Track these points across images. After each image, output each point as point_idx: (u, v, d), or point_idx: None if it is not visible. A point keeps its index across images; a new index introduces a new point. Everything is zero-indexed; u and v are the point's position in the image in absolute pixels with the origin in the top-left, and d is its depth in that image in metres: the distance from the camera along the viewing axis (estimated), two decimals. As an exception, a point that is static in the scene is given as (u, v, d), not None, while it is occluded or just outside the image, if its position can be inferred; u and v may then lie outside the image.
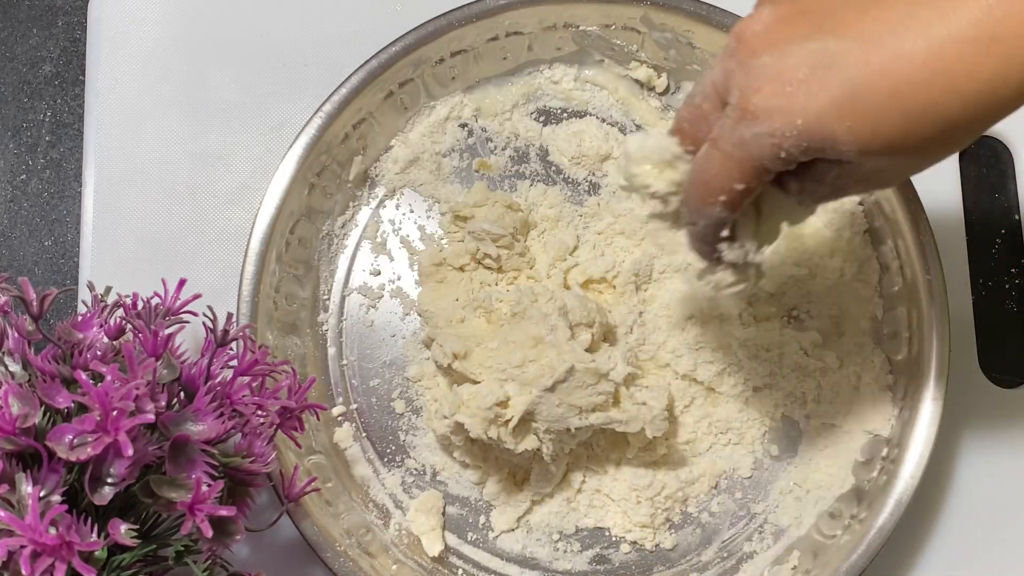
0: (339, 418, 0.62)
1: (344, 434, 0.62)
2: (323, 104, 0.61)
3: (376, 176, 0.65)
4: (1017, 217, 0.67)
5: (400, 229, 0.64)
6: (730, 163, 0.42)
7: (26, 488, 0.42)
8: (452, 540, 0.61)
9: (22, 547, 0.40)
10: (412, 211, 0.65)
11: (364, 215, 0.65)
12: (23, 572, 0.40)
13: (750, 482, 0.61)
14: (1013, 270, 0.66)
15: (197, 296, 0.53)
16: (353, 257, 0.64)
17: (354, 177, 0.64)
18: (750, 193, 0.43)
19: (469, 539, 0.61)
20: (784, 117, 0.39)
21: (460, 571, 0.60)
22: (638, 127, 0.65)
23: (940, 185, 0.65)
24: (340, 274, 0.64)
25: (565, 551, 0.61)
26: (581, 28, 0.64)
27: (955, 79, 0.37)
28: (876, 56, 0.38)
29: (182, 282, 0.54)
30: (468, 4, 0.62)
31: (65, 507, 0.43)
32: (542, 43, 0.65)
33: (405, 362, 0.63)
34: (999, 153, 0.67)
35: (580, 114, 0.66)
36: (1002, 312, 0.65)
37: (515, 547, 0.61)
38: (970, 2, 0.37)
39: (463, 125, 0.66)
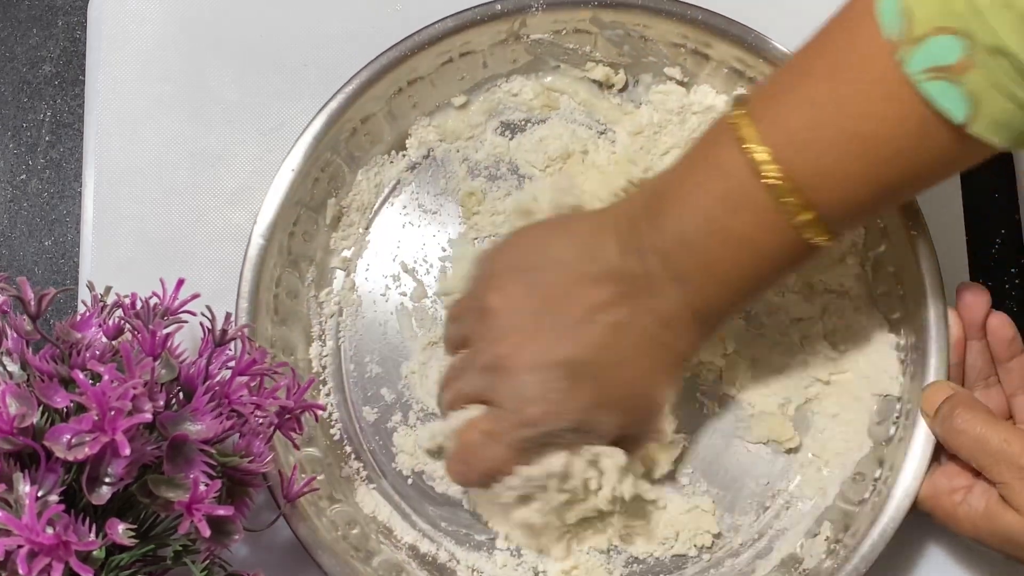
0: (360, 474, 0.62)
1: (365, 494, 0.61)
2: (291, 149, 0.60)
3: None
4: (1017, 217, 0.67)
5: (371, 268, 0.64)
6: (511, 451, 0.54)
7: (23, 488, 0.42)
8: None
9: (19, 547, 0.40)
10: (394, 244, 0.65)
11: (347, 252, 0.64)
12: (20, 571, 0.40)
13: (770, 460, 0.62)
14: (1013, 270, 0.66)
15: (196, 296, 0.53)
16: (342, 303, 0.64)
17: (331, 221, 0.63)
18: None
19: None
20: (557, 418, 0.53)
21: None
22: (604, 128, 0.65)
23: (940, 185, 0.64)
24: (332, 323, 0.63)
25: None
26: (533, 38, 0.63)
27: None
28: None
29: (180, 282, 0.54)
30: (418, 32, 0.61)
31: (62, 507, 0.43)
32: (496, 58, 0.64)
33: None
34: (999, 153, 0.67)
35: (544, 121, 0.66)
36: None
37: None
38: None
39: (428, 153, 0.65)
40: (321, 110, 0.61)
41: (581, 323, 0.53)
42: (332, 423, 0.62)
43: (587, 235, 0.55)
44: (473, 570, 0.60)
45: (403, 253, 0.64)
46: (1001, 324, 0.58)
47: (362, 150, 0.64)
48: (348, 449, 0.62)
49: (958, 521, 0.54)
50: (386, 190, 0.65)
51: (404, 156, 0.65)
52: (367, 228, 0.65)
